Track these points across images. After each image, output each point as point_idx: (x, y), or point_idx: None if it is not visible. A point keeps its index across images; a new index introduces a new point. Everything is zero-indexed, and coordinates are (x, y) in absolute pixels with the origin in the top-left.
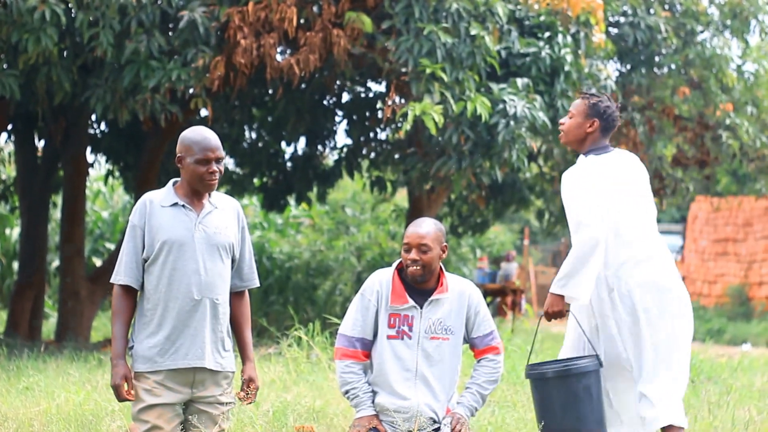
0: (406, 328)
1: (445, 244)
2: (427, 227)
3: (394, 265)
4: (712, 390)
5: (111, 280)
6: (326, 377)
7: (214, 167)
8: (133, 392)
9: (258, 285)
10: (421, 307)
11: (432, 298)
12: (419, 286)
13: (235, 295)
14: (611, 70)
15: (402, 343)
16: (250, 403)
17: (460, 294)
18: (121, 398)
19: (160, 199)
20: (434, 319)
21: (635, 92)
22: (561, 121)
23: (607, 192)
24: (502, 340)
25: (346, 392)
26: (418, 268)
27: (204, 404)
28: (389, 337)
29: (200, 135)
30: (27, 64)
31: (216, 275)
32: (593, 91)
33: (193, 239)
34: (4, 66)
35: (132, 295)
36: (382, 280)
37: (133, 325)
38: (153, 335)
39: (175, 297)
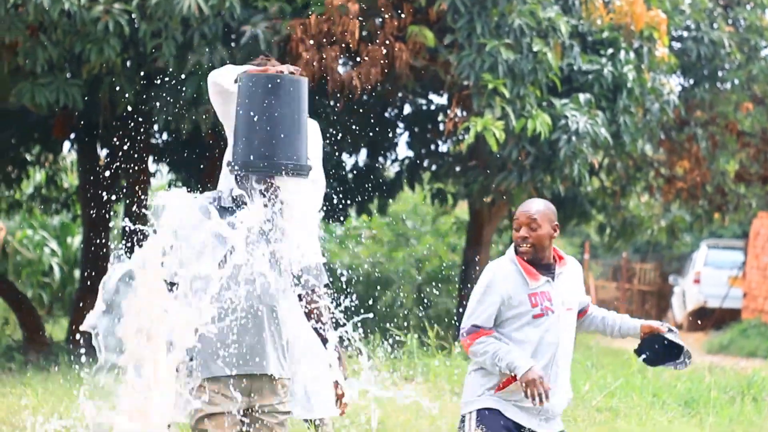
0: (548, 304)
1: (556, 223)
2: (537, 206)
3: (509, 252)
4: None
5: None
6: (386, 388)
7: None
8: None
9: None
10: (554, 280)
11: (558, 271)
12: (543, 262)
13: None
14: (674, 84)
15: (547, 319)
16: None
17: (573, 265)
18: None
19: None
20: (564, 291)
21: (698, 107)
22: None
23: None
24: None
25: (495, 357)
26: (528, 246)
27: (262, 413)
28: (535, 317)
29: None
30: (90, 74)
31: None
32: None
33: None
34: (68, 76)
35: None
36: (504, 271)
37: None
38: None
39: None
